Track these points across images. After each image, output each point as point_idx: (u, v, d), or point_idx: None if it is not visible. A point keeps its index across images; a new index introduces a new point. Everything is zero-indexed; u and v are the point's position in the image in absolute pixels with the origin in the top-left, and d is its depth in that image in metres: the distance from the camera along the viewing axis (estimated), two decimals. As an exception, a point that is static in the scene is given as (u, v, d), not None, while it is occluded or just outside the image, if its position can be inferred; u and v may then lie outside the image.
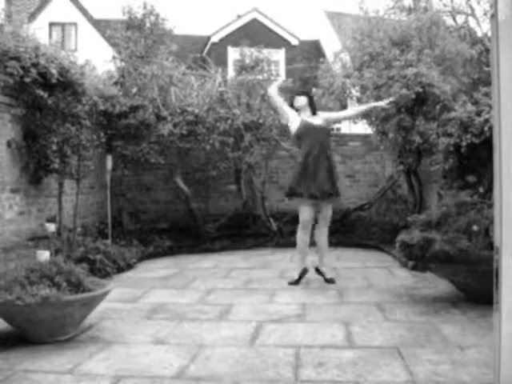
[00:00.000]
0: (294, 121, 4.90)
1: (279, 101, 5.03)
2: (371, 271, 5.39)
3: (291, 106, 4.99)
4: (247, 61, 7.98)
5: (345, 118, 5.85)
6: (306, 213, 4.79)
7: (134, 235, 6.99)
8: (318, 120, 4.89)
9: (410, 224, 4.35)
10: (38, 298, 3.04)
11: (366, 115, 6.56)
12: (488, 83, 3.01)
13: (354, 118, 6.67)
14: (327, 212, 4.89)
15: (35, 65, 4.67)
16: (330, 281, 4.89)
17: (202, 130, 7.04)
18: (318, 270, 5.00)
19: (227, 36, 19.48)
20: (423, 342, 3.10)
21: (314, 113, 4.94)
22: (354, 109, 5.75)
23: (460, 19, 14.13)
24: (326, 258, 5.03)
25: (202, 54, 18.02)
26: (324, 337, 3.24)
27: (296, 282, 4.86)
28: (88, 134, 5.70)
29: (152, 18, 7.88)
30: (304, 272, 4.91)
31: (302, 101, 4.92)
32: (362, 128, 8.54)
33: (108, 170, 6.62)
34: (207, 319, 3.73)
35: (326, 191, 4.70)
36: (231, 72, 8.96)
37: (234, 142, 7.35)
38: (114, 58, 7.85)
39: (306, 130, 4.80)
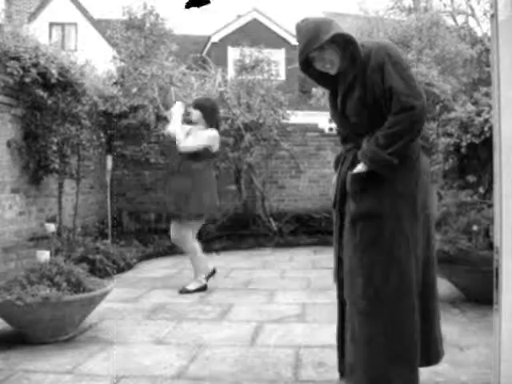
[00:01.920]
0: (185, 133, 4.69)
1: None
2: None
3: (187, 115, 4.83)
4: (247, 61, 7.98)
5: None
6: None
7: (133, 235, 6.99)
8: (201, 139, 4.54)
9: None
10: (38, 298, 3.04)
11: None
12: (488, 83, 3.01)
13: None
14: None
15: (35, 65, 4.66)
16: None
17: (202, 130, 7.03)
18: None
19: (227, 36, 19.46)
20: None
21: (208, 124, 4.61)
22: None
23: (460, 19, 14.13)
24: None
25: (202, 54, 18.03)
26: (324, 337, 3.23)
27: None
28: (88, 134, 5.70)
29: (152, 18, 7.88)
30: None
31: (194, 116, 4.66)
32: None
33: (108, 170, 6.62)
34: (207, 319, 3.73)
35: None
36: (231, 72, 8.96)
37: (234, 142, 7.35)
38: (114, 58, 7.85)
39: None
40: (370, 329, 2.13)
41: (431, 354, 2.27)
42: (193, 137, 4.61)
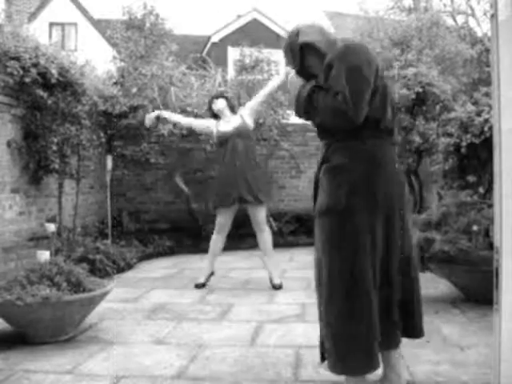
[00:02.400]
0: (211, 125, 4.84)
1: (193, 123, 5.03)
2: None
3: (210, 109, 4.89)
4: (247, 61, 7.98)
5: (263, 99, 4.98)
6: (220, 218, 4.82)
7: (133, 235, 6.99)
8: (236, 120, 4.72)
9: (409, 224, 4.35)
10: (38, 298, 3.05)
11: None
12: (488, 83, 3.02)
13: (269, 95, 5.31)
14: (255, 217, 4.77)
15: (35, 65, 4.66)
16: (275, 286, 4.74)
17: (203, 130, 7.04)
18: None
19: (227, 36, 19.48)
20: (423, 341, 3.09)
21: (233, 112, 4.83)
22: (266, 88, 5.01)
23: (460, 19, 14.14)
24: (269, 262, 4.86)
25: (202, 53, 18.03)
26: (324, 337, 3.23)
27: (202, 286, 4.85)
28: (88, 134, 5.70)
29: (152, 18, 7.88)
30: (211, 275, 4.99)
31: (220, 103, 4.79)
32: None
33: (108, 170, 6.62)
34: (207, 319, 3.73)
35: (244, 197, 4.62)
36: (231, 72, 8.96)
37: (234, 142, 7.34)
38: (114, 58, 7.85)
39: (223, 139, 4.69)
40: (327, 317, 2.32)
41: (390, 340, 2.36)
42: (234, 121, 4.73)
